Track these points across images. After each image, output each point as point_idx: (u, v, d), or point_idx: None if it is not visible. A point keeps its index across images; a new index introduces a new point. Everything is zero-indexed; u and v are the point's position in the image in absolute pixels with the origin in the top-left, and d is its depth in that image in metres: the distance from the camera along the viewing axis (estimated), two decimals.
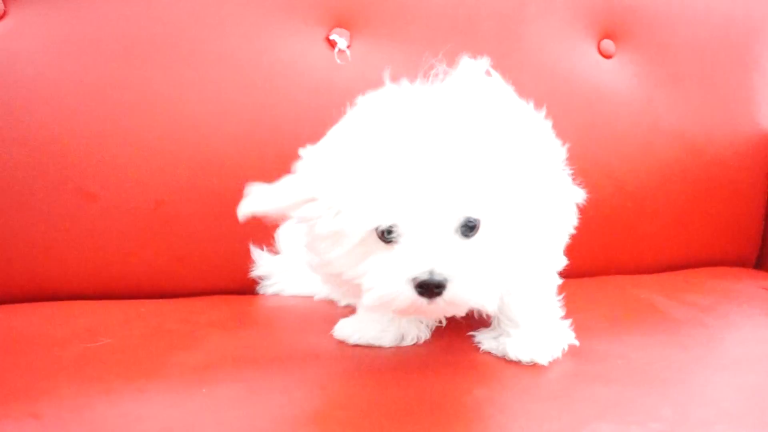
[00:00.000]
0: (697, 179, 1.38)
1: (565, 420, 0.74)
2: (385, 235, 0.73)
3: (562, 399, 0.79)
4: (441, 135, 0.73)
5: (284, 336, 0.97)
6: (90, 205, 1.09)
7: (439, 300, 0.71)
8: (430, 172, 0.70)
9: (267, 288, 1.14)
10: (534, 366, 0.87)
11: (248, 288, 1.16)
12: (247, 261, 1.15)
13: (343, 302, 1.04)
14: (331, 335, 0.94)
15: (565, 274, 0.94)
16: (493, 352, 0.89)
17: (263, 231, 1.12)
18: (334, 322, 0.95)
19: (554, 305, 0.91)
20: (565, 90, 1.30)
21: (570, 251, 0.94)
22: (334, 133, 0.81)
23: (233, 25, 1.15)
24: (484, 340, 0.91)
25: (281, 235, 1.11)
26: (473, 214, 0.72)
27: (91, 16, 1.10)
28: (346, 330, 0.92)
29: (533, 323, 0.88)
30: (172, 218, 1.12)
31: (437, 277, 0.70)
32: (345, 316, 0.96)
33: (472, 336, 0.92)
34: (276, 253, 1.13)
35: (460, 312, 0.78)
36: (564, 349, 0.89)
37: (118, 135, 1.10)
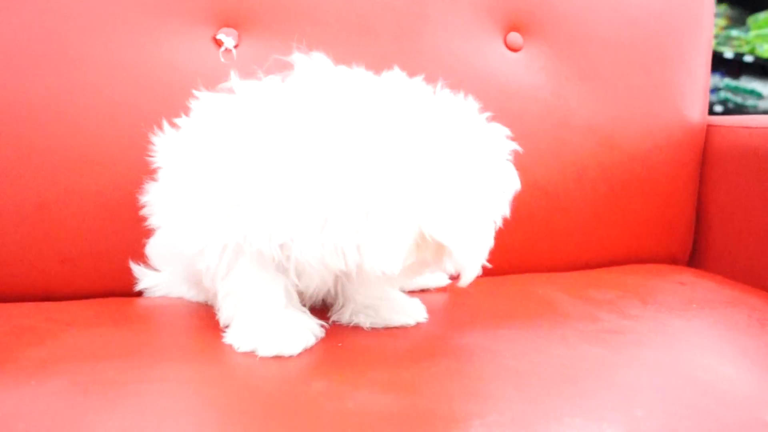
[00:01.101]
0: (615, 174, 1.34)
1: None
2: None
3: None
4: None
5: (147, 334, 0.93)
6: None
7: None
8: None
9: (153, 293, 1.10)
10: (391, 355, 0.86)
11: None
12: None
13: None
14: (204, 335, 0.91)
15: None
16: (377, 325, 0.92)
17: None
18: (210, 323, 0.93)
19: None
20: (472, 86, 1.25)
21: None
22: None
23: (119, 27, 1.13)
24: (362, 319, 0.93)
25: (152, 254, 1.08)
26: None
27: None
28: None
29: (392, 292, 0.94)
30: (56, 220, 1.10)
31: None
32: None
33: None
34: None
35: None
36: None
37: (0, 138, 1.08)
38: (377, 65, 0.91)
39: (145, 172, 1.06)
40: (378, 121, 0.79)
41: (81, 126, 1.12)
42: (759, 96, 3.92)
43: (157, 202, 0.95)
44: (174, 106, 1.11)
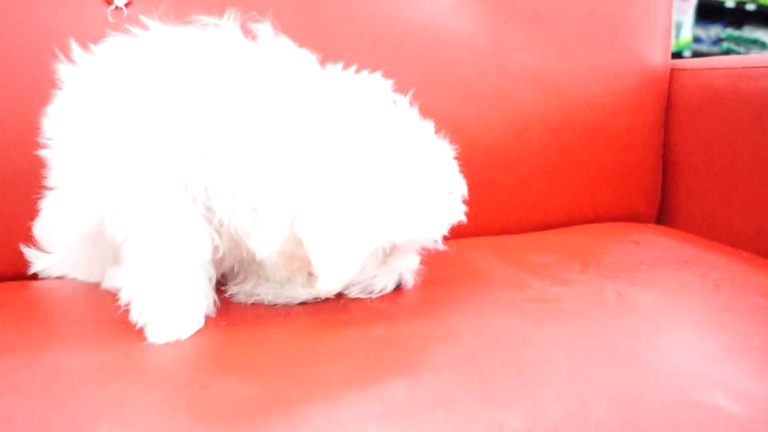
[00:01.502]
0: (565, 126, 1.21)
1: None
2: None
3: None
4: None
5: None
6: None
7: None
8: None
9: (50, 273, 1.00)
10: None
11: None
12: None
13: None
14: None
15: None
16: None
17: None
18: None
19: None
20: (398, 36, 1.14)
21: None
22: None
23: None
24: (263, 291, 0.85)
25: (42, 236, 0.99)
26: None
27: None
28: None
29: None
30: None
31: None
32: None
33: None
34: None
35: None
36: None
37: None
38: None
39: (28, 148, 0.96)
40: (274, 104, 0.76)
41: None
42: (763, 45, 3.74)
43: (60, 164, 0.84)
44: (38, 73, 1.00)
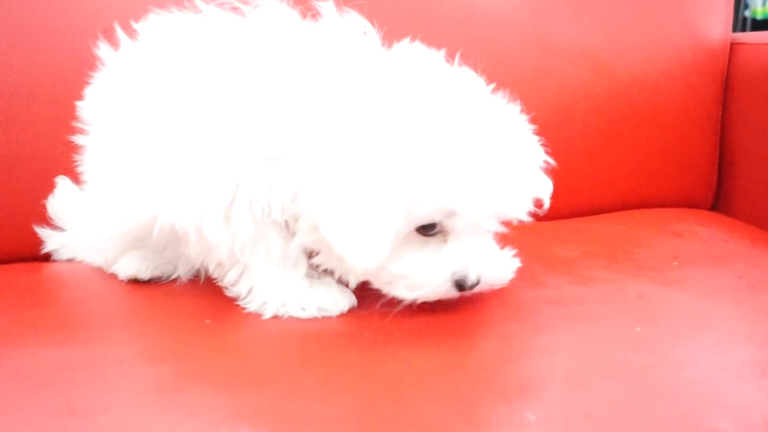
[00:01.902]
0: (612, 106, 1.15)
1: None
2: (432, 230, 0.72)
3: None
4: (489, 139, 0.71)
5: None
6: None
7: (468, 291, 0.73)
8: (493, 175, 0.69)
9: (60, 255, 1.02)
10: None
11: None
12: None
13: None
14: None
15: None
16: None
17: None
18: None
19: None
20: (432, 9, 1.10)
21: None
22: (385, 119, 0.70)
23: None
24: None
25: (57, 212, 1.00)
26: (520, 215, 0.74)
27: None
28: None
29: None
30: None
31: (477, 279, 0.73)
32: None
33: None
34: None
35: None
36: None
37: None
38: None
39: (43, 128, 0.98)
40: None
41: None
42: None
43: (101, 154, 0.82)
44: (80, 55, 1.00)
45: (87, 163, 0.84)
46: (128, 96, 0.76)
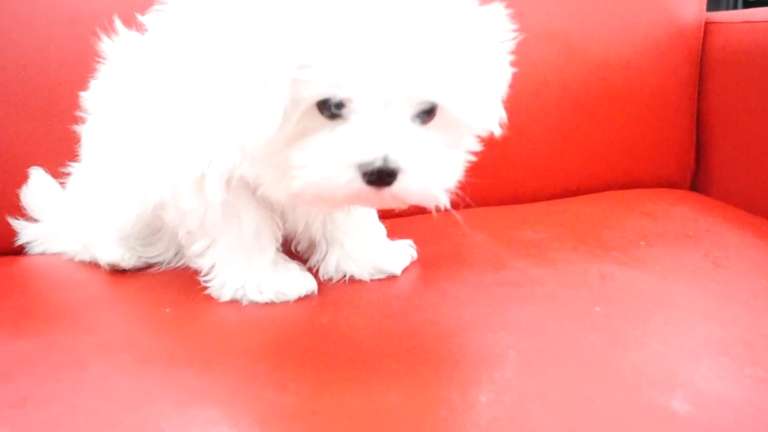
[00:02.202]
0: (584, 87, 1.15)
1: None
2: (333, 110, 0.63)
3: None
4: (408, 6, 0.62)
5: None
6: None
7: (386, 191, 0.63)
8: (401, 45, 0.61)
9: (32, 248, 1.02)
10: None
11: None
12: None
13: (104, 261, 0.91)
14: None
15: (412, 210, 0.80)
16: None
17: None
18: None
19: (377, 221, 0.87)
20: None
21: None
22: None
23: None
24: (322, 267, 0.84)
25: (31, 203, 1.01)
26: (437, 98, 0.64)
27: None
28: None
29: (367, 238, 0.84)
30: None
31: (391, 165, 0.62)
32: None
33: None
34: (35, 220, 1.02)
35: (402, 207, 0.68)
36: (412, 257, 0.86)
37: None
38: None
39: (15, 119, 0.99)
40: None
41: None
42: None
43: (101, 143, 0.86)
44: (48, 41, 1.01)
45: (87, 149, 0.88)
46: (125, 89, 0.81)
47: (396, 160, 0.62)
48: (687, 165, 1.22)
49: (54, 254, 0.99)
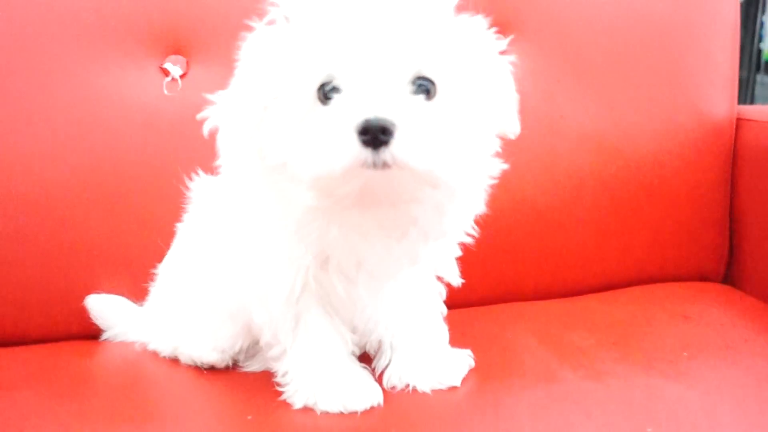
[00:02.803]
0: (620, 186, 1.19)
1: None
2: (327, 94, 0.66)
3: None
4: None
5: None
6: None
7: (386, 153, 0.62)
8: (383, 20, 0.65)
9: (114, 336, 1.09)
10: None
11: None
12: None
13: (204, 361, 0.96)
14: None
15: (455, 302, 0.91)
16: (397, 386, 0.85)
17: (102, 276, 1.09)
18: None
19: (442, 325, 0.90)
20: None
21: (463, 275, 0.88)
22: None
23: (59, 61, 1.08)
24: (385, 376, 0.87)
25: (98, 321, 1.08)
26: (426, 71, 0.67)
27: None
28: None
29: (429, 346, 0.88)
30: (4, 264, 1.07)
31: (384, 119, 0.61)
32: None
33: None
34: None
35: (415, 190, 0.68)
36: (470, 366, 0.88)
37: None
38: None
39: (98, 211, 1.07)
40: None
41: (26, 168, 1.09)
42: None
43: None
44: (120, 141, 1.06)
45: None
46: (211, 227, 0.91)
47: (388, 116, 0.62)
48: (721, 258, 1.25)
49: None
